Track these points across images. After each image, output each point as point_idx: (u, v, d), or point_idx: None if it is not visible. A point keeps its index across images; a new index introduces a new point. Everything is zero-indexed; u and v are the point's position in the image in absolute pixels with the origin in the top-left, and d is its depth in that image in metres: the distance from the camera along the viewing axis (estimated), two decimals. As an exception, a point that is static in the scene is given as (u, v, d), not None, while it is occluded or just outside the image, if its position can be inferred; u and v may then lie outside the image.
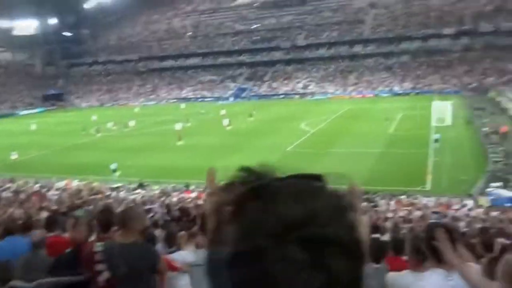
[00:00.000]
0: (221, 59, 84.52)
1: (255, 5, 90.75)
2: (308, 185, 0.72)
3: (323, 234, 0.63)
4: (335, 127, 40.69)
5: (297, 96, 69.86)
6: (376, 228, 8.73)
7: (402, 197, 20.03)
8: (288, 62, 79.63)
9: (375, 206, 17.88)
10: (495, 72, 61.54)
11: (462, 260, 2.94)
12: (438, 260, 2.87)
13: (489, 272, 2.96)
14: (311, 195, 0.69)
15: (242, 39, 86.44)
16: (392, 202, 18.89)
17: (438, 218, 12.26)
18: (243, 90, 75.97)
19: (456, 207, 18.33)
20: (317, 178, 0.75)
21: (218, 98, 73.19)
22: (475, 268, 3.11)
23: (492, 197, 19.97)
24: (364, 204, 18.72)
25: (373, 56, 74.02)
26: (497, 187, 21.50)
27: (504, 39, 64.65)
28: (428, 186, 22.97)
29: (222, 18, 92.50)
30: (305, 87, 72.74)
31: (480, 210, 16.63)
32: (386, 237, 7.78)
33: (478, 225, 11.35)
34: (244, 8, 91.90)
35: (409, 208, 16.88)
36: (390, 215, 14.97)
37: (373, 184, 22.51)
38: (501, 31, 65.38)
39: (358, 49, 75.55)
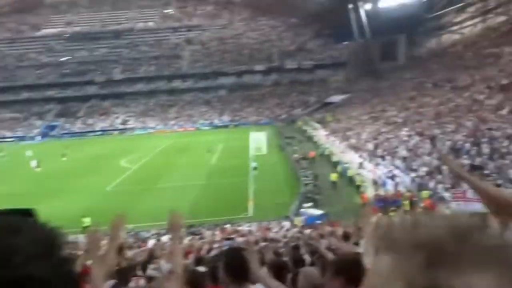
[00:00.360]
0: (25, 94, 75.54)
1: (64, 36, 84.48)
2: (7, 221, 0.66)
3: (19, 274, 0.59)
4: (158, 162, 39.53)
5: (116, 132, 66.60)
6: (199, 259, 8.10)
7: (227, 226, 19.98)
8: (104, 97, 75.42)
9: (201, 237, 17.70)
10: (300, 104, 68.69)
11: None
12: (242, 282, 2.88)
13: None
14: (9, 232, 0.63)
15: (49, 72, 78.87)
16: (217, 232, 18.62)
17: (230, 244, 12.26)
18: (53, 127, 69.01)
19: (275, 229, 18.92)
20: (26, 213, 0.70)
21: (21, 138, 64.97)
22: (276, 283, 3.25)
23: (305, 217, 21.32)
24: (189, 237, 18.18)
25: (192, 91, 75.59)
26: (309, 207, 23.18)
27: (306, 75, 73.46)
28: (250, 213, 23.56)
29: (23, 49, 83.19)
30: (124, 122, 69.98)
31: (296, 230, 17.29)
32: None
33: (292, 244, 11.56)
34: (51, 39, 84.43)
35: (233, 236, 16.71)
36: (215, 245, 14.39)
37: (198, 216, 22.52)
38: (302, 68, 73.82)
39: (177, 83, 76.30)
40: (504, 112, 27.54)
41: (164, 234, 19.65)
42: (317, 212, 22.09)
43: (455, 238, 0.61)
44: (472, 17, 57.57)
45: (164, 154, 43.58)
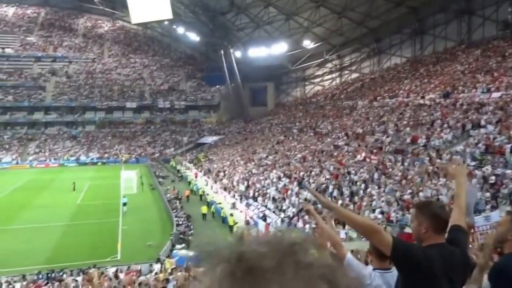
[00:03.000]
0: None
1: None
2: None
3: None
4: (13, 200, 35.64)
5: None
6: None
7: (92, 269, 18.53)
8: None
9: (61, 282, 16.43)
10: (173, 143, 68.31)
11: None
12: None
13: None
14: None
15: None
16: (80, 278, 17.25)
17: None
18: None
19: (145, 272, 18.27)
20: None
21: None
22: None
23: (176, 258, 20.87)
24: (48, 284, 16.63)
25: (56, 124, 70.31)
26: (181, 248, 22.76)
27: (178, 115, 73.70)
28: (119, 256, 22.34)
29: None
30: None
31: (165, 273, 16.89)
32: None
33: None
34: None
35: (100, 281, 15.63)
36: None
37: (60, 260, 20.97)
38: (175, 108, 73.97)
39: (39, 116, 70.19)
40: (360, 157, 30.77)
41: (16, 282, 17.64)
42: (190, 253, 21.79)
43: (276, 254, 0.63)
44: (331, 72, 64.39)
45: (21, 192, 39.46)
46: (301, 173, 32.50)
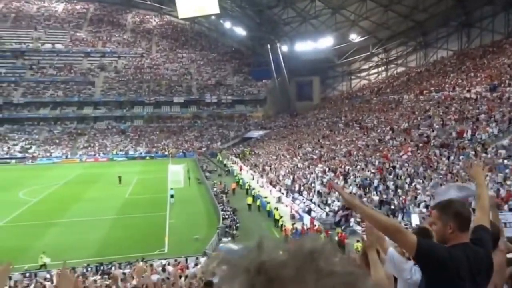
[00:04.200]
0: None
1: None
2: None
3: None
4: (63, 194, 36.78)
5: (13, 161, 60.43)
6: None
7: (141, 263, 19.20)
8: (0, 121, 68.31)
9: (109, 275, 16.56)
10: (220, 137, 69.28)
11: None
12: None
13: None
14: None
15: None
16: (128, 270, 17.72)
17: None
18: None
19: (192, 265, 18.78)
20: None
21: None
22: None
23: (223, 251, 21.18)
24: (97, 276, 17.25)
25: (105, 119, 72.23)
26: (228, 241, 23.15)
27: (225, 109, 74.62)
28: (166, 249, 22.65)
29: None
30: (24, 150, 63.50)
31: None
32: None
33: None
34: None
35: (146, 273, 16.22)
36: (127, 285, 13.92)
37: (108, 252, 21.37)
38: (222, 103, 74.90)
39: (88, 111, 72.21)
40: (405, 152, 30.27)
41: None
42: (237, 246, 22.11)
43: (296, 262, 0.61)
44: (377, 66, 63.10)
45: (71, 186, 40.69)
46: (347, 168, 32.33)
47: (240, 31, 67.00)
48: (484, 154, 24.25)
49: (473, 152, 25.30)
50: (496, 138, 26.37)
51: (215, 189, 36.12)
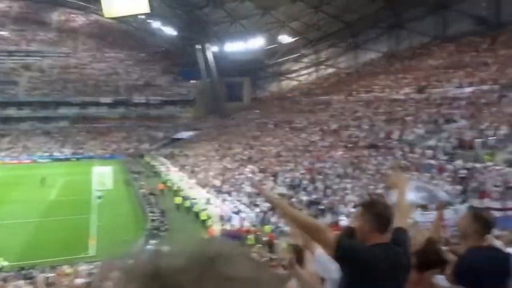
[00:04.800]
0: None
1: None
2: None
3: None
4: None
5: None
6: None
7: (64, 266, 18.29)
8: None
9: (32, 280, 16.22)
10: (148, 138, 67.45)
11: None
12: None
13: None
14: None
15: None
16: (52, 274, 17.12)
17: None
18: None
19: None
20: None
21: None
22: None
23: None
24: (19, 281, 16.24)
25: (29, 120, 68.22)
26: (156, 243, 22.34)
27: (154, 110, 72.77)
28: (92, 252, 21.93)
29: None
30: None
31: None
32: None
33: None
34: None
35: (70, 278, 15.47)
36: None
37: (31, 257, 20.60)
38: (150, 103, 72.98)
39: (11, 111, 67.82)
40: (335, 153, 30.98)
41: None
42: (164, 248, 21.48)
43: (195, 267, 0.57)
44: (307, 67, 64.54)
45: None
46: (276, 168, 32.50)
47: (170, 31, 65.83)
48: (411, 155, 25.23)
49: (401, 153, 26.29)
50: (423, 138, 27.64)
51: (143, 190, 35.12)
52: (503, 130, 24.35)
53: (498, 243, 4.30)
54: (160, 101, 73.77)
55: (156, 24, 66.28)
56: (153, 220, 26.43)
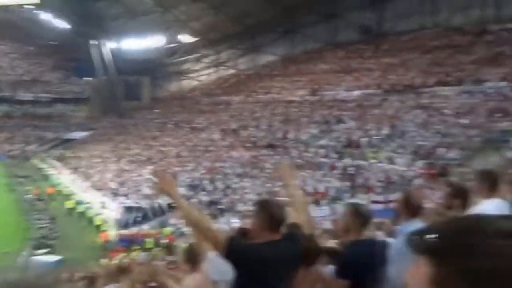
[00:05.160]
0: None
1: None
2: None
3: None
4: None
5: None
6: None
7: None
8: None
9: None
10: (36, 139, 62.30)
11: None
12: None
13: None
14: None
15: None
16: None
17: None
18: None
19: None
20: None
21: None
22: None
23: (39, 264, 19.01)
24: None
25: None
26: (43, 253, 20.84)
27: (43, 108, 67.40)
28: None
29: None
30: None
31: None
32: None
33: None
34: None
35: None
36: None
37: None
38: (38, 101, 67.52)
39: None
40: (235, 152, 31.40)
41: None
42: (53, 258, 19.96)
43: None
44: (208, 67, 64.55)
45: None
46: (176, 169, 32.03)
47: (62, 24, 61.48)
48: (305, 153, 26.50)
49: (297, 152, 27.49)
50: (316, 138, 29.14)
51: (29, 196, 32.27)
52: (385, 130, 26.72)
53: (379, 234, 4.61)
54: (50, 99, 68.39)
55: (46, 16, 61.53)
56: (40, 228, 24.48)
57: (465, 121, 24.94)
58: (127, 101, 67.68)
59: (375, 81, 33.89)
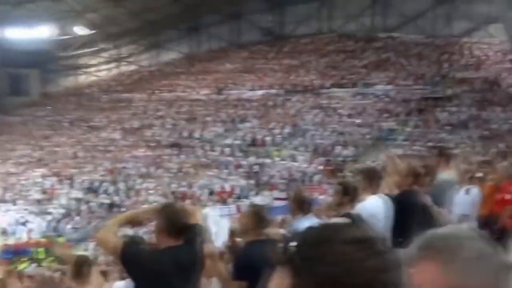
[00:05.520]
0: None
1: None
2: None
3: None
4: None
5: None
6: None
7: None
8: None
9: None
10: None
11: None
12: None
13: None
14: None
15: None
16: None
17: None
18: None
19: None
20: None
21: None
22: None
23: None
24: None
25: None
26: None
27: None
28: None
29: None
30: None
31: None
32: None
33: None
34: None
35: None
36: None
37: None
38: None
39: None
40: (137, 152, 30.52)
41: None
42: None
43: None
44: (107, 62, 61.38)
45: None
46: (72, 171, 30.14)
47: None
48: (211, 152, 26.64)
49: (202, 151, 27.57)
50: (221, 137, 29.39)
51: None
52: (287, 129, 27.83)
53: (282, 231, 4.67)
54: None
55: None
56: None
57: (358, 120, 26.94)
58: (12, 96, 61.76)
59: (277, 81, 35.13)
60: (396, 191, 4.51)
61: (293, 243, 0.74)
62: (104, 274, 6.51)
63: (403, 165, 5.35)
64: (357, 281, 0.70)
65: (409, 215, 4.30)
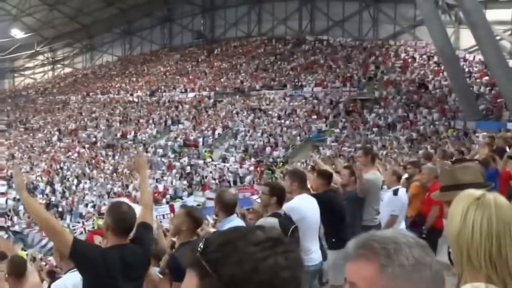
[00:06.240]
0: None
1: None
2: None
3: None
4: None
5: None
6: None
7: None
8: None
9: None
10: None
11: None
12: None
13: None
14: None
15: None
16: None
17: None
18: None
19: None
20: None
21: None
22: None
23: None
24: None
25: None
26: None
27: None
28: None
29: None
30: None
31: None
32: None
33: None
34: None
35: None
36: None
37: None
38: None
39: None
40: (72, 153, 31.64)
41: None
42: None
43: None
44: (43, 65, 61.23)
45: None
46: (10, 172, 30.99)
47: None
48: (145, 153, 27.89)
49: (135, 152, 28.69)
50: (155, 138, 30.75)
51: None
52: (219, 130, 29.06)
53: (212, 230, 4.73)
54: None
55: None
56: None
57: (287, 122, 27.45)
58: None
59: (208, 83, 36.24)
60: (320, 191, 4.75)
61: (200, 246, 0.78)
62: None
63: (327, 166, 5.85)
64: (260, 278, 0.74)
65: (334, 214, 4.63)
